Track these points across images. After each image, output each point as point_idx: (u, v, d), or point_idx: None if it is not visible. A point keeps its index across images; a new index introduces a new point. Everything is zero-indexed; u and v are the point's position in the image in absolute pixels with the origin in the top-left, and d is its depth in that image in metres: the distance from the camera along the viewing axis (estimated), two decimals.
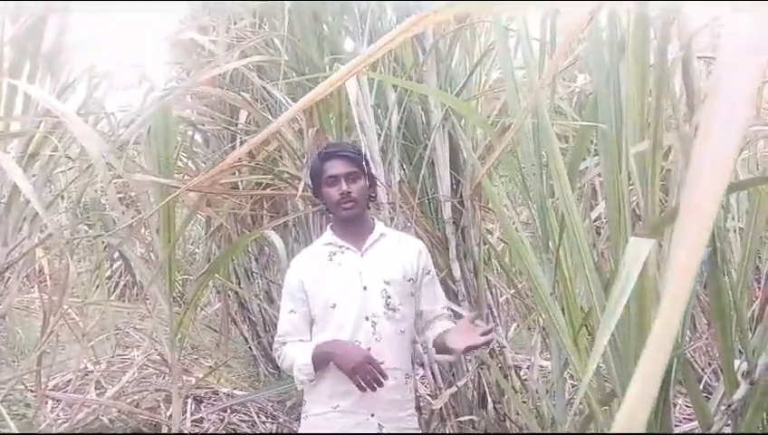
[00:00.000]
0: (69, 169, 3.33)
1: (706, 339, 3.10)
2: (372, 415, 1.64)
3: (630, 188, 1.33)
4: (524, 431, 2.48)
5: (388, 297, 1.68)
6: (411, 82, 2.43)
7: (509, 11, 1.80)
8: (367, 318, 1.66)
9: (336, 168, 1.70)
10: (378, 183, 2.18)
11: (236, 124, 3.21)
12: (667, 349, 0.34)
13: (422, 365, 2.45)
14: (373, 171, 2.37)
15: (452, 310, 2.38)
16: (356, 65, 0.89)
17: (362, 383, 1.56)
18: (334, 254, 1.73)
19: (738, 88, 0.40)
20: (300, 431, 1.76)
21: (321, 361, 1.63)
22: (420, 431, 1.77)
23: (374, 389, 1.57)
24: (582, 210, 1.94)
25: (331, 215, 1.79)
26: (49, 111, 2.23)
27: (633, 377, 0.34)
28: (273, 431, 3.17)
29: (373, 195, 1.82)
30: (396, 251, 1.75)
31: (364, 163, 1.77)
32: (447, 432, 2.43)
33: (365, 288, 1.68)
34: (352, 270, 1.70)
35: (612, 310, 0.94)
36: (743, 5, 0.44)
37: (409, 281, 1.73)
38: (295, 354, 1.67)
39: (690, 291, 0.35)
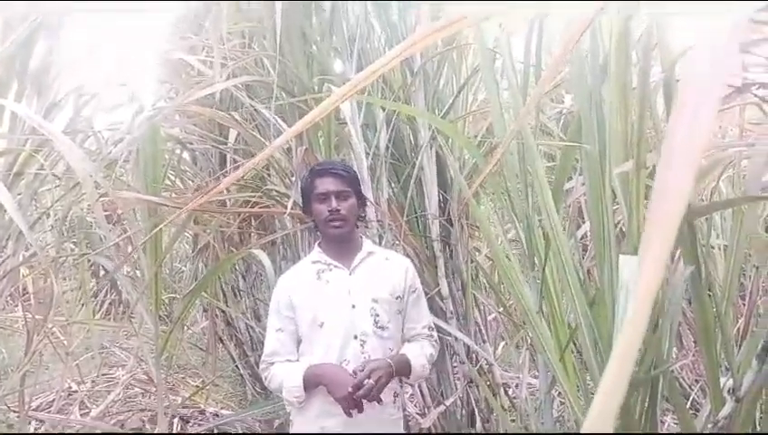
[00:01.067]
0: (55, 187, 3.31)
1: (693, 356, 3.12)
2: None
3: (616, 207, 1.35)
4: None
5: (377, 315, 1.68)
6: (399, 103, 2.46)
7: (502, 15, 1.83)
8: (356, 337, 1.65)
9: (327, 185, 1.71)
10: (367, 202, 2.19)
11: (225, 143, 3.21)
12: (630, 362, 0.35)
13: (411, 383, 2.44)
14: (363, 191, 2.39)
15: (439, 327, 2.38)
16: (350, 88, 0.90)
17: (350, 411, 1.56)
18: (322, 272, 1.73)
19: (699, 110, 0.41)
20: None
21: (312, 383, 1.62)
22: None
23: (361, 411, 1.57)
24: (568, 229, 1.96)
25: (319, 232, 1.79)
26: (35, 129, 2.22)
27: (596, 392, 0.35)
28: None
29: (362, 215, 1.83)
30: (384, 269, 1.75)
31: (356, 183, 1.78)
32: None
33: (353, 306, 1.67)
34: (341, 288, 1.70)
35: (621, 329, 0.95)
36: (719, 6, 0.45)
37: (397, 299, 1.73)
38: (284, 375, 1.66)
39: (652, 305, 0.36)
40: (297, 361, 1.71)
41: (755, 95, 1.42)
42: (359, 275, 1.72)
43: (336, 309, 1.67)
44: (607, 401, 0.34)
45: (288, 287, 1.74)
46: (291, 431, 1.74)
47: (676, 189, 0.36)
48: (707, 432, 1.25)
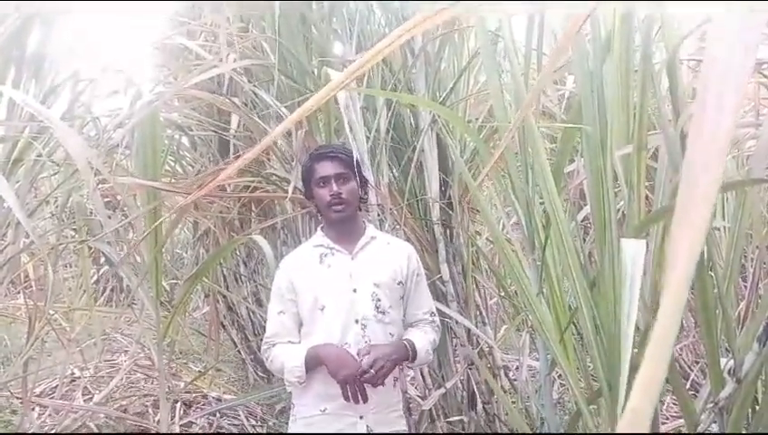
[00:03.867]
0: (54, 174, 3.30)
1: (693, 337, 3.13)
2: (361, 417, 1.64)
3: (618, 189, 1.35)
4: (514, 432, 2.49)
5: (378, 300, 1.67)
6: (398, 92, 2.44)
7: (501, 12, 1.81)
8: (356, 321, 1.66)
9: (327, 169, 1.70)
10: (368, 184, 2.17)
11: (224, 128, 3.20)
12: (667, 355, 0.34)
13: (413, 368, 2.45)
14: (364, 173, 2.37)
15: (440, 310, 2.38)
16: (350, 73, 0.89)
17: (349, 394, 1.57)
18: (325, 256, 1.73)
19: (727, 85, 0.40)
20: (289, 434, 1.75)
21: (314, 364, 1.63)
22: (408, 432, 1.77)
23: (358, 401, 1.58)
24: (569, 211, 1.96)
25: (321, 216, 1.79)
26: (33, 115, 2.20)
27: (634, 386, 0.34)
28: None
29: (365, 197, 1.82)
30: (386, 254, 1.75)
31: (356, 165, 1.76)
32: (437, 433, 2.43)
33: (355, 291, 1.67)
34: (342, 272, 1.69)
35: (628, 315, 0.94)
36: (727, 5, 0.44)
37: (399, 284, 1.73)
38: (286, 356, 1.66)
39: (686, 294, 0.35)
40: (299, 343, 1.71)
41: (763, 74, 1.40)
42: (361, 260, 1.72)
43: (337, 293, 1.67)
44: (644, 399, 0.33)
45: (290, 270, 1.74)
46: (292, 414, 1.75)
47: (706, 171, 0.35)
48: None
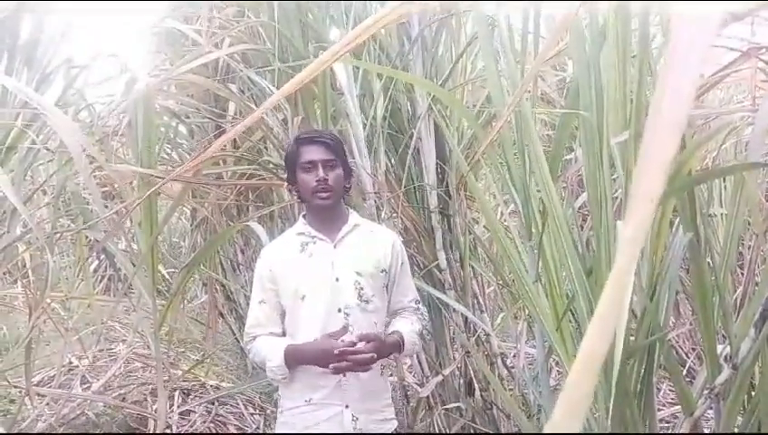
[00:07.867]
0: (49, 161, 3.28)
1: (690, 324, 3.13)
2: (346, 407, 1.63)
3: (615, 176, 1.34)
4: (512, 421, 2.49)
5: (361, 289, 1.65)
6: (397, 70, 2.41)
7: (489, 9, 1.79)
8: (339, 310, 1.63)
9: (314, 153, 1.65)
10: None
11: (222, 115, 3.18)
12: (609, 332, 0.33)
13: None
14: (357, 161, 2.36)
15: (438, 299, 2.38)
16: (337, 51, 0.88)
17: (353, 364, 1.54)
18: (306, 244, 1.69)
19: (686, 71, 0.39)
20: (276, 426, 1.74)
21: (296, 362, 1.62)
22: (396, 420, 1.75)
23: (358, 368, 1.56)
24: (567, 199, 1.95)
25: (304, 203, 1.75)
26: (27, 103, 2.18)
27: (574, 363, 0.33)
28: (261, 423, 3.17)
29: (348, 186, 1.76)
30: (369, 242, 1.72)
31: (342, 152, 1.72)
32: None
33: (337, 280, 1.65)
34: (324, 261, 1.67)
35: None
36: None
37: (382, 272, 1.70)
38: (266, 353, 1.64)
39: (633, 268, 0.35)
40: (281, 332, 1.70)
41: (761, 59, 1.39)
42: (343, 248, 1.69)
43: (319, 282, 1.65)
44: (583, 378, 0.32)
45: (271, 259, 1.71)
46: (279, 406, 1.74)
47: (662, 150, 0.34)
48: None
